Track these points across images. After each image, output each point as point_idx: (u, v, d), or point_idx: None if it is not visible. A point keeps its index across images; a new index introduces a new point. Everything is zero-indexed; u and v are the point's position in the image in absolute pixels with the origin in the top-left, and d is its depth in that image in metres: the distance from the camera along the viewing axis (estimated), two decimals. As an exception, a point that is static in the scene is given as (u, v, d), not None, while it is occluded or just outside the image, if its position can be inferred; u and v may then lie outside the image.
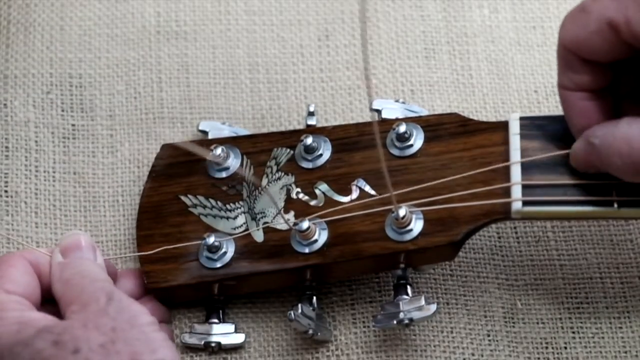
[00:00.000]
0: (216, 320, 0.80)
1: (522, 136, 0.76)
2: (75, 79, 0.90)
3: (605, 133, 0.69)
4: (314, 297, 0.79)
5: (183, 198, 0.81)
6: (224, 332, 0.80)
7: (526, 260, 0.83)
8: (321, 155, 0.80)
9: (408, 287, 0.78)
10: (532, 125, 0.76)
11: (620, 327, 0.81)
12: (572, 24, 0.69)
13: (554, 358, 0.80)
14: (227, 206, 0.80)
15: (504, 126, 0.77)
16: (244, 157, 0.82)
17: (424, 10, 0.94)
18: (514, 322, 0.81)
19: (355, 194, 0.78)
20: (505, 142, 0.76)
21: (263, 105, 0.90)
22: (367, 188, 0.78)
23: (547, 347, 0.80)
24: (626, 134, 0.68)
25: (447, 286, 0.82)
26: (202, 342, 0.79)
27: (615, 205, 0.72)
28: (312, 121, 0.85)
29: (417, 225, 0.75)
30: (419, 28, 0.93)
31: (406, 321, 0.75)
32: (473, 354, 0.80)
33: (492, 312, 0.81)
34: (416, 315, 0.75)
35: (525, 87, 0.90)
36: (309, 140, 0.80)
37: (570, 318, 0.81)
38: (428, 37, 0.93)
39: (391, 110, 0.82)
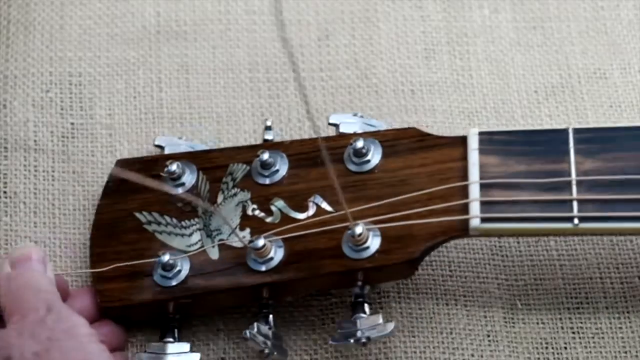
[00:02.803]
0: (171, 339, 0.79)
1: (481, 151, 0.75)
2: (75, 77, 0.90)
3: None
4: (271, 316, 0.77)
5: (138, 215, 0.80)
6: (178, 352, 0.78)
7: (526, 260, 0.83)
8: (278, 170, 0.79)
9: (366, 305, 0.76)
10: (491, 141, 0.75)
11: (620, 327, 0.81)
12: None
13: (554, 358, 0.80)
14: (183, 223, 0.79)
15: (462, 141, 0.76)
16: (200, 173, 0.80)
17: (424, 10, 0.94)
18: (513, 323, 0.81)
19: (311, 211, 0.77)
20: (464, 157, 0.75)
21: (263, 105, 0.90)
22: (324, 204, 0.77)
23: (547, 347, 0.80)
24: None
25: (447, 287, 0.82)
26: None
27: (576, 220, 0.72)
28: (269, 136, 0.83)
29: (374, 243, 0.74)
30: (419, 28, 0.93)
31: (363, 340, 0.74)
32: (473, 355, 0.80)
33: (492, 312, 0.81)
34: (373, 333, 0.74)
35: (525, 87, 0.90)
36: (265, 156, 0.78)
37: (570, 318, 0.81)
38: (428, 37, 0.93)
39: (349, 124, 0.81)
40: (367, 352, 0.80)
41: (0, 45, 0.91)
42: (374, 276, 0.76)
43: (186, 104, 0.90)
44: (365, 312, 0.76)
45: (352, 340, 0.74)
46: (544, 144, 0.75)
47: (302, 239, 0.76)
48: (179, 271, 0.77)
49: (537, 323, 0.81)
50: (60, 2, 0.93)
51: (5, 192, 0.86)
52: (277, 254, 0.76)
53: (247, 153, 0.80)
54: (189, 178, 0.80)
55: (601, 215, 0.72)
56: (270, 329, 0.76)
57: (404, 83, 0.91)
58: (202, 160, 0.81)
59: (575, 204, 0.72)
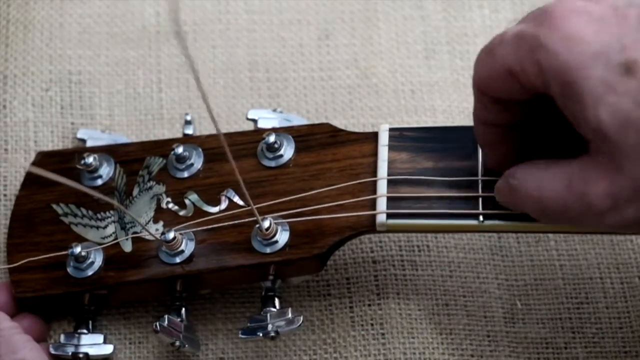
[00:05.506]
0: (85, 331, 0.79)
1: (391, 147, 0.76)
2: (75, 75, 0.90)
3: (523, 175, 0.69)
4: (183, 309, 0.78)
5: (55, 206, 0.80)
6: (92, 343, 0.79)
7: (526, 260, 0.83)
8: (192, 164, 0.80)
9: (276, 299, 0.77)
10: (402, 137, 0.76)
11: (620, 327, 0.81)
12: (481, 64, 0.69)
13: (554, 358, 0.80)
14: (98, 215, 0.80)
15: (374, 137, 0.77)
16: (117, 165, 0.81)
17: (424, 10, 0.94)
18: (513, 323, 0.81)
19: (224, 205, 0.78)
20: (374, 153, 0.76)
21: (263, 105, 0.90)
22: (236, 199, 0.78)
23: (547, 347, 0.80)
24: (540, 179, 0.67)
25: (447, 287, 0.82)
26: (70, 353, 0.78)
27: (481, 217, 0.73)
28: (189, 130, 0.84)
29: (282, 237, 0.75)
30: (419, 28, 0.93)
31: (272, 334, 0.75)
32: (472, 355, 0.80)
33: (492, 312, 0.81)
34: (282, 327, 0.75)
35: (525, 87, 0.90)
36: (180, 150, 0.79)
37: (570, 318, 0.81)
38: (428, 37, 0.93)
39: (268, 120, 0.82)
40: (366, 353, 0.80)
41: (-1, 44, 0.92)
42: (284, 270, 0.77)
43: (186, 104, 0.90)
44: (275, 306, 0.77)
45: (261, 334, 0.75)
46: (454, 141, 0.76)
47: (213, 233, 0.77)
48: (92, 263, 0.77)
49: (537, 323, 0.81)
50: (60, 0, 0.93)
51: (5, 195, 0.86)
52: (188, 247, 0.76)
53: (164, 147, 0.81)
54: (106, 171, 0.81)
55: (506, 212, 0.72)
56: (182, 321, 0.77)
57: (404, 83, 0.91)
58: (119, 153, 0.82)
59: (480, 201, 0.73)
